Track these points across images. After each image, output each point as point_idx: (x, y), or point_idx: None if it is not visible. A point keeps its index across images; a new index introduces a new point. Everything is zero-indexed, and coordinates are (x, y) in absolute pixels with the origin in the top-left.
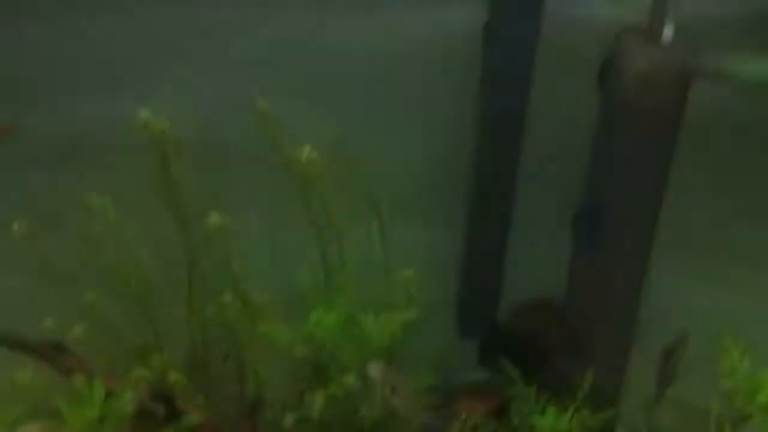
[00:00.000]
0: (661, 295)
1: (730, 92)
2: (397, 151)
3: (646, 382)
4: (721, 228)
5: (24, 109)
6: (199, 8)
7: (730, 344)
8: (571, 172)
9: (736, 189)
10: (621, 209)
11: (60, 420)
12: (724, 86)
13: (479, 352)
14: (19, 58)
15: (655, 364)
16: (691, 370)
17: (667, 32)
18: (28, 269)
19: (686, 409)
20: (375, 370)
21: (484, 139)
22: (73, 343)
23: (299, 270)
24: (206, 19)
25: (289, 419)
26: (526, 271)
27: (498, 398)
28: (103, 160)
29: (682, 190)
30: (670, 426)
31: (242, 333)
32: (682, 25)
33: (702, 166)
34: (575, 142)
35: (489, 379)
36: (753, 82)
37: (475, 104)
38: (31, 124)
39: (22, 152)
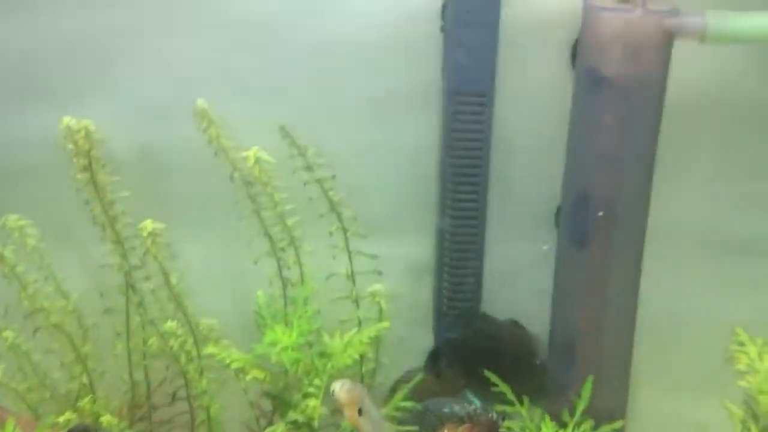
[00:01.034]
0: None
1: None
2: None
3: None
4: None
5: None
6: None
7: (747, 342)
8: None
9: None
10: (607, 198)
11: None
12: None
13: (428, 357)
14: None
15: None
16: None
17: None
18: None
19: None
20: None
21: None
22: None
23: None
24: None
25: None
26: (506, 280)
27: (486, 425)
28: (23, 177)
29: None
30: None
31: (189, 365)
32: None
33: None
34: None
35: (476, 408)
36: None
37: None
38: None
39: None
